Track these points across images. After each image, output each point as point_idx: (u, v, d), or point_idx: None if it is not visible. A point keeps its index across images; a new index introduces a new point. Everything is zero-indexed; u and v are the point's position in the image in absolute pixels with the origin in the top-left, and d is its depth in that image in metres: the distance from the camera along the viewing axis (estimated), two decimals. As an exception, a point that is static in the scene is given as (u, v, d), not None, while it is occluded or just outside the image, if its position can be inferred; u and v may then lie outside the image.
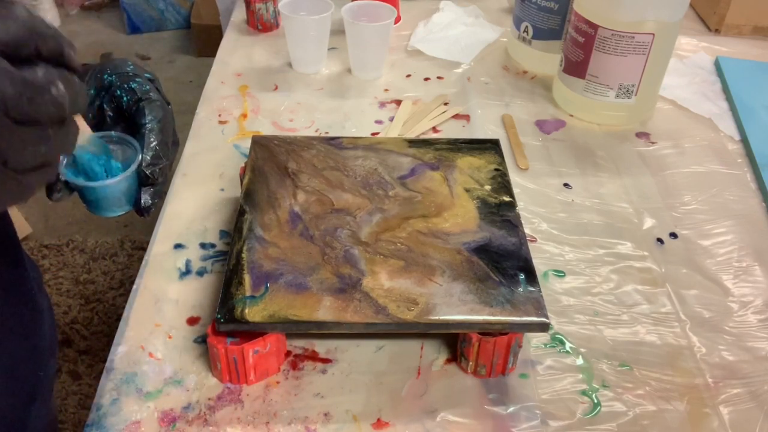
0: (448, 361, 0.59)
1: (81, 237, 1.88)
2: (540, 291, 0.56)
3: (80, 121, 0.45)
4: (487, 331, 0.55)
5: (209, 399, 0.55)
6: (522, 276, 0.57)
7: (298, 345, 0.59)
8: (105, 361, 0.58)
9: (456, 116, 0.90)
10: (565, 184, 0.79)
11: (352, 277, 0.57)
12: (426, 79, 0.98)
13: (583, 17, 0.84)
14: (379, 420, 0.54)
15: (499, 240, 0.61)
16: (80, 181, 0.48)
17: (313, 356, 0.58)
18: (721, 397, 0.57)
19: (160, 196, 0.51)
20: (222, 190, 0.76)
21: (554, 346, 0.60)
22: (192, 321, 0.61)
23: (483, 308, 0.55)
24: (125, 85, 0.50)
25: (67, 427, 1.44)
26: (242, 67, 0.99)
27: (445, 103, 0.92)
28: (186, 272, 0.66)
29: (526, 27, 0.97)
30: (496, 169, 0.69)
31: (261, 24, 1.08)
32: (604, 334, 0.62)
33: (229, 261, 0.58)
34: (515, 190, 0.72)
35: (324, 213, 0.63)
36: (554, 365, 0.59)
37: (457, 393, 0.56)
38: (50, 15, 2.91)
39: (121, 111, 0.50)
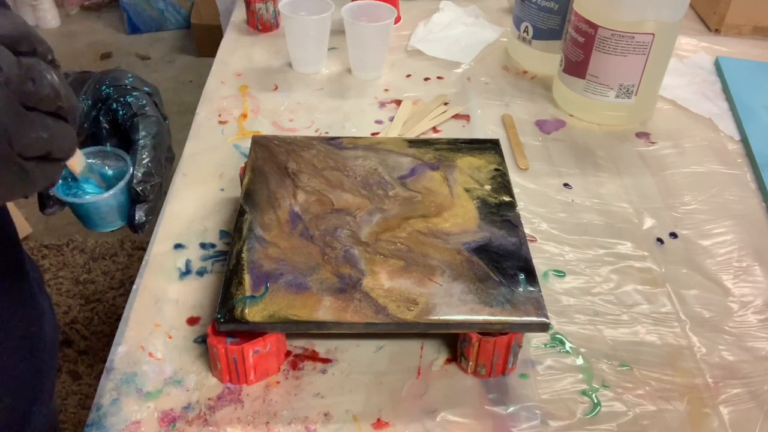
0: (448, 361, 0.59)
1: (81, 237, 1.88)
2: (540, 291, 0.56)
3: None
4: (487, 331, 0.55)
5: (209, 399, 0.55)
6: (522, 276, 0.57)
7: (298, 345, 0.59)
8: (105, 361, 0.58)
9: (456, 116, 0.90)
10: (565, 184, 0.79)
11: (352, 277, 0.57)
12: (426, 79, 0.98)
13: (583, 17, 0.84)
14: (379, 420, 0.54)
15: (499, 240, 0.61)
16: (68, 198, 0.48)
17: (313, 356, 0.58)
18: (721, 397, 0.57)
19: (153, 213, 0.50)
20: (222, 190, 0.76)
21: (554, 346, 0.60)
22: (192, 321, 0.61)
23: (483, 308, 0.55)
24: (122, 99, 0.49)
25: (67, 427, 1.44)
26: (242, 67, 0.99)
27: (445, 103, 0.92)
28: (186, 272, 0.66)
29: (526, 27, 0.97)
30: (496, 169, 0.69)
31: (261, 24, 1.08)
32: (604, 334, 0.62)
33: (229, 261, 0.58)
34: (515, 190, 0.72)
35: (324, 213, 0.63)
36: (554, 365, 0.59)
37: (457, 393, 0.56)
38: (50, 15, 2.92)
39: (117, 124, 0.50)
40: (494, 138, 0.74)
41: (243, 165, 0.70)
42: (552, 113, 0.91)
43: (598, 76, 0.85)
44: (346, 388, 0.56)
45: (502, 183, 0.67)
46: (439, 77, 0.98)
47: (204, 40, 2.67)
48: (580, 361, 0.59)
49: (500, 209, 0.64)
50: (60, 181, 0.49)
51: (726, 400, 0.56)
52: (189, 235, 0.70)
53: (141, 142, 0.49)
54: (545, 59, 0.98)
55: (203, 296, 0.63)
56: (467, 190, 0.66)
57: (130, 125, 0.49)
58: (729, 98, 0.95)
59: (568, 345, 0.61)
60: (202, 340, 0.59)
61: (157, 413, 0.54)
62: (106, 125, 0.50)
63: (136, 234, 0.51)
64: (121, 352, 0.58)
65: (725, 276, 0.68)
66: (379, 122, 0.88)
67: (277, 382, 0.56)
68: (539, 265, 0.67)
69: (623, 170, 0.81)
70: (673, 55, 0.94)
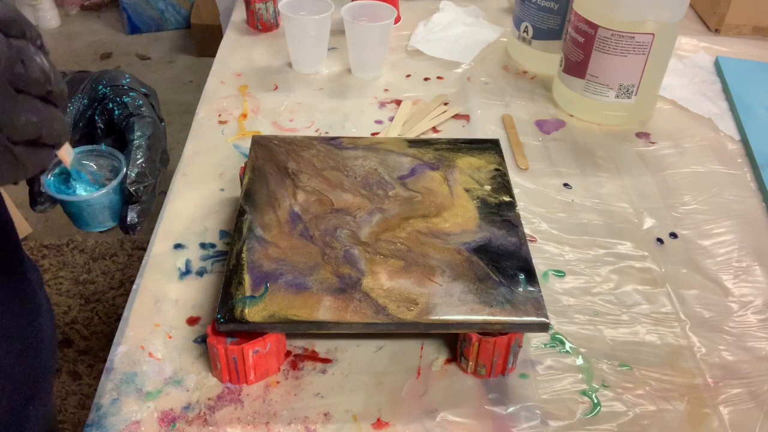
0: (448, 361, 0.59)
1: (81, 237, 1.88)
2: (540, 291, 0.56)
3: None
4: (487, 331, 0.55)
5: (209, 399, 0.55)
6: (522, 276, 0.57)
7: (298, 345, 0.59)
8: (105, 361, 0.58)
9: (456, 116, 0.90)
10: (565, 184, 0.79)
11: (352, 277, 0.57)
12: (426, 79, 0.98)
13: (583, 17, 0.84)
14: (379, 420, 0.54)
15: (499, 240, 0.61)
16: (59, 195, 0.48)
17: (313, 356, 0.58)
18: (721, 397, 0.57)
19: (146, 214, 0.50)
20: (222, 190, 0.76)
21: (554, 346, 0.60)
22: (192, 321, 0.61)
23: (483, 308, 0.55)
24: (118, 99, 0.49)
25: (67, 427, 1.44)
26: (242, 67, 0.99)
27: (445, 103, 0.92)
28: (186, 272, 0.66)
29: (526, 27, 0.97)
30: (496, 169, 0.69)
31: (261, 24, 1.08)
32: (604, 334, 0.62)
33: (229, 261, 0.58)
34: (515, 190, 0.72)
35: (324, 213, 0.63)
36: (554, 365, 0.59)
37: (457, 393, 0.56)
38: (50, 15, 2.92)
39: (113, 124, 0.50)
40: (494, 138, 0.74)
41: (243, 165, 0.70)
42: (552, 113, 0.91)
43: (598, 76, 0.85)
44: (346, 388, 0.56)
45: (502, 183, 0.67)
46: (439, 77, 0.98)
47: (204, 40, 2.67)
48: (580, 361, 0.59)
49: (500, 209, 0.64)
50: (52, 177, 0.48)
51: (726, 400, 0.56)
52: (189, 235, 0.70)
53: (136, 142, 0.48)
54: (545, 59, 0.98)
55: (203, 296, 0.63)
56: (467, 190, 0.66)
57: (125, 125, 0.49)
58: (729, 98, 0.95)
59: (568, 345, 0.61)
60: (202, 340, 0.59)
61: (157, 413, 0.54)
62: (101, 125, 0.50)
63: (128, 235, 0.51)
64: (121, 352, 0.58)
65: (725, 276, 0.68)
66: (379, 122, 0.88)
67: (277, 382, 0.56)
68: (539, 265, 0.67)
69: (623, 170, 0.81)
70: (673, 55, 0.94)
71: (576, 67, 0.87)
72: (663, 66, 0.86)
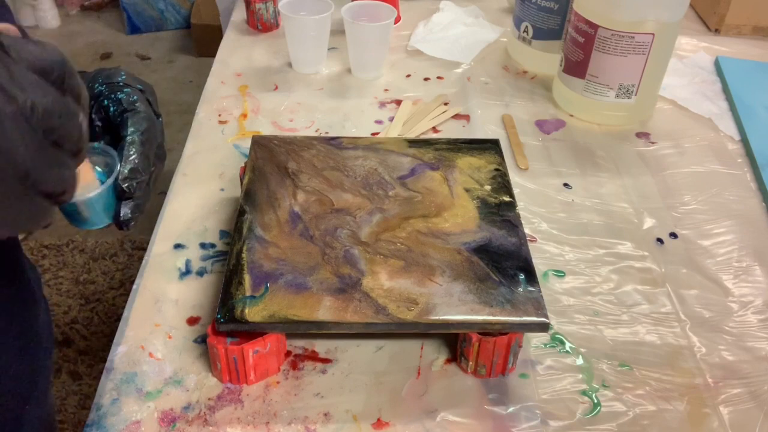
0: (448, 361, 0.59)
1: (81, 237, 1.88)
2: (540, 291, 0.56)
3: None
4: (487, 331, 0.55)
5: (209, 399, 0.55)
6: (522, 276, 0.57)
7: (298, 345, 0.59)
8: (105, 361, 0.58)
9: (456, 116, 0.90)
10: (565, 184, 0.79)
11: (352, 277, 0.57)
12: (426, 79, 0.98)
13: (583, 17, 0.84)
14: (379, 420, 0.54)
15: (499, 240, 0.61)
16: None
17: (313, 356, 0.58)
18: (721, 397, 0.57)
19: (141, 211, 0.49)
20: (222, 190, 0.76)
21: (554, 346, 0.60)
22: (192, 321, 0.61)
23: (483, 308, 0.55)
24: (113, 96, 0.49)
25: (67, 427, 1.44)
26: (242, 67, 0.99)
27: (445, 103, 0.92)
28: (186, 272, 0.66)
29: (526, 27, 0.97)
30: (496, 169, 0.69)
31: (261, 24, 1.08)
32: (604, 334, 0.62)
33: (229, 261, 0.58)
34: (515, 190, 0.72)
35: (324, 213, 0.63)
36: (554, 365, 0.59)
37: (457, 393, 0.56)
38: (50, 15, 2.92)
39: (110, 121, 0.50)
40: (494, 138, 0.74)
41: (243, 165, 0.70)
42: (552, 113, 0.91)
43: (598, 76, 0.85)
44: (346, 388, 0.56)
45: (502, 183, 0.67)
46: (439, 77, 0.98)
47: (204, 40, 2.67)
48: (580, 361, 0.59)
49: (500, 209, 0.64)
50: None
51: (726, 400, 0.56)
52: (189, 235, 0.70)
53: (129, 138, 0.48)
54: (545, 59, 0.98)
55: (203, 296, 0.63)
56: (467, 190, 0.66)
57: (120, 121, 0.49)
58: (729, 98, 0.95)
59: (568, 345, 0.61)
60: (202, 340, 0.59)
61: (157, 413, 0.54)
62: (99, 122, 0.50)
63: (122, 230, 0.50)
64: (121, 352, 0.58)
65: (725, 276, 0.68)
66: (379, 122, 0.88)
67: (277, 382, 0.56)
68: (539, 265, 0.67)
69: (623, 170, 0.81)
70: (673, 55, 0.94)
71: (576, 67, 0.87)
72: (663, 66, 0.86)
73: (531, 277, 0.57)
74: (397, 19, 1.11)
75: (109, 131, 0.51)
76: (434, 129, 0.87)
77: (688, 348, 0.61)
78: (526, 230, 0.69)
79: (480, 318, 0.54)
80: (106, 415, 0.54)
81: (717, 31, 1.12)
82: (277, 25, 1.09)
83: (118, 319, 0.62)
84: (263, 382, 0.56)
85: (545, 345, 0.60)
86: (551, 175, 0.80)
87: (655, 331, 0.62)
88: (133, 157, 0.48)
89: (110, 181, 0.48)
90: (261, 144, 0.71)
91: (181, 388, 0.56)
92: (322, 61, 0.99)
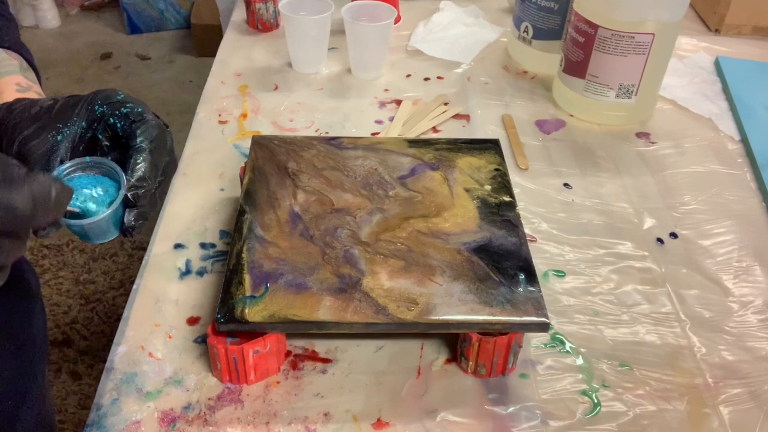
0: (448, 361, 0.59)
1: (81, 237, 1.88)
2: (540, 291, 0.56)
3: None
4: (487, 331, 0.55)
5: (209, 399, 0.55)
6: (522, 276, 0.57)
7: (298, 345, 0.59)
8: (105, 361, 0.58)
9: (456, 116, 0.90)
10: (565, 184, 0.79)
11: (352, 277, 0.57)
12: (426, 79, 0.98)
13: (583, 17, 0.84)
14: (379, 420, 0.54)
15: (499, 240, 0.61)
16: (65, 221, 0.47)
17: (313, 356, 0.58)
18: (721, 397, 0.57)
19: (145, 218, 0.49)
20: (222, 190, 0.76)
21: (554, 346, 0.60)
22: (192, 321, 0.61)
23: (483, 308, 0.55)
24: (117, 113, 0.48)
25: (67, 427, 1.44)
26: (242, 67, 0.99)
27: (445, 103, 0.92)
28: (186, 272, 0.66)
29: (526, 27, 0.97)
30: (496, 169, 0.69)
31: (261, 24, 1.08)
32: (604, 334, 0.62)
33: (229, 261, 0.58)
34: (515, 190, 0.72)
35: (324, 213, 0.63)
36: (554, 365, 0.59)
37: (457, 393, 0.56)
38: (50, 15, 2.92)
39: (118, 139, 0.49)
40: (494, 138, 0.74)
41: (243, 165, 0.70)
42: (552, 113, 0.91)
43: (598, 76, 0.85)
44: (346, 388, 0.56)
45: (502, 183, 0.67)
46: (439, 77, 0.98)
47: (204, 40, 2.67)
48: (580, 361, 0.59)
49: (500, 209, 0.64)
50: None
51: (726, 400, 0.56)
52: (189, 235, 0.70)
53: (137, 146, 0.48)
54: (545, 59, 0.98)
55: (203, 296, 0.63)
56: (467, 190, 0.66)
57: (129, 133, 0.49)
58: (729, 98, 0.95)
59: (568, 345, 0.61)
60: (202, 340, 0.59)
61: (157, 413, 0.54)
62: (106, 143, 0.49)
63: (126, 237, 0.50)
64: (121, 352, 0.58)
65: (725, 276, 0.68)
66: (379, 122, 0.88)
67: (277, 382, 0.56)
68: (539, 265, 0.67)
69: (623, 170, 0.81)
70: (673, 55, 0.93)
71: (576, 67, 0.87)
72: (663, 66, 0.86)
73: (531, 277, 0.57)
74: (397, 19, 1.11)
75: (117, 149, 0.50)
76: (434, 129, 0.87)
77: (688, 348, 0.61)
78: (526, 230, 0.69)
79: (480, 318, 0.54)
80: (106, 415, 0.54)
81: (717, 31, 1.12)
82: (277, 25, 1.09)
83: (118, 319, 0.62)
84: (263, 382, 0.56)
85: (545, 345, 0.60)
86: (551, 175, 0.80)
87: (655, 331, 0.62)
88: (141, 164, 0.47)
89: (119, 199, 0.47)
90: (261, 144, 0.71)
91: (181, 388, 0.56)
92: (322, 61, 0.99)
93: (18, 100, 0.49)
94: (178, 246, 0.69)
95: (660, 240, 0.72)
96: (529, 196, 0.77)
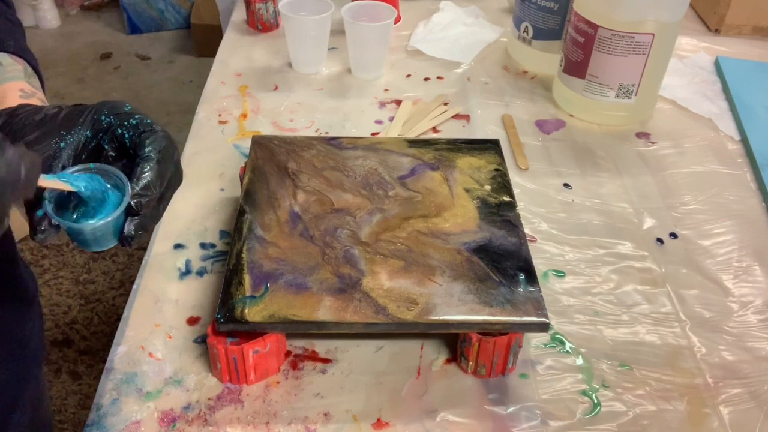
0: (448, 361, 0.59)
1: (81, 237, 1.88)
2: (540, 291, 0.56)
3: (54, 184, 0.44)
4: (487, 331, 0.55)
5: (209, 399, 0.55)
6: (522, 276, 0.57)
7: (298, 345, 0.59)
8: (105, 361, 0.58)
9: (456, 116, 0.90)
10: (565, 184, 0.79)
11: (352, 277, 0.57)
12: (426, 79, 0.98)
13: (583, 17, 0.84)
14: (379, 420, 0.54)
15: (499, 240, 0.61)
16: (66, 223, 0.46)
17: (313, 356, 0.58)
18: (721, 397, 0.57)
19: (145, 229, 0.48)
20: (222, 190, 0.76)
21: (554, 346, 0.60)
22: (192, 321, 0.61)
23: (483, 308, 0.55)
24: (126, 123, 0.48)
25: (67, 427, 1.44)
26: (242, 67, 0.99)
27: (445, 103, 0.92)
28: (186, 272, 0.66)
29: (526, 27, 0.97)
30: (496, 169, 0.69)
31: (261, 24, 1.08)
32: (604, 334, 0.62)
33: (229, 261, 0.58)
34: (515, 190, 0.72)
35: (324, 213, 0.63)
36: (554, 365, 0.59)
37: (457, 393, 0.56)
38: (50, 15, 2.92)
39: (125, 149, 0.49)
40: (494, 138, 0.74)
41: (243, 165, 0.70)
42: (552, 113, 0.91)
43: (598, 76, 0.85)
44: (346, 388, 0.56)
45: (502, 183, 0.67)
46: (439, 77, 0.98)
47: (204, 40, 2.67)
48: (580, 361, 0.59)
49: (500, 209, 0.64)
50: (50, 204, 0.47)
51: (726, 400, 0.56)
52: (189, 235, 0.70)
53: (145, 155, 0.47)
54: (545, 59, 0.98)
55: (203, 296, 0.63)
56: (467, 190, 0.66)
57: (138, 143, 0.48)
58: (729, 98, 0.95)
59: (568, 345, 0.61)
60: (202, 340, 0.59)
61: (157, 413, 0.54)
62: (112, 153, 0.49)
63: (124, 247, 0.49)
64: (121, 352, 0.58)
65: (725, 276, 0.68)
66: (379, 122, 0.88)
67: (277, 382, 0.56)
68: (539, 265, 0.67)
69: (623, 170, 0.81)
70: (673, 55, 0.93)
71: (576, 67, 0.87)
72: (663, 66, 0.86)
73: (531, 277, 0.57)
74: (397, 19, 1.11)
75: (124, 158, 0.50)
76: (434, 129, 0.87)
77: (688, 348, 0.61)
78: (526, 230, 0.69)
79: (480, 318, 0.54)
80: (106, 415, 0.54)
81: (717, 31, 1.12)
82: (277, 25, 1.09)
83: (118, 319, 0.62)
84: (263, 382, 0.56)
85: (545, 345, 0.60)
86: (551, 175, 0.80)
87: (655, 331, 0.62)
88: (147, 173, 0.47)
89: (122, 208, 0.46)
90: (261, 144, 0.71)
91: (181, 388, 0.56)
92: (322, 61, 0.99)
93: (22, 106, 0.49)
94: (178, 246, 0.69)
95: (660, 240, 0.72)
96: (529, 196, 0.77)
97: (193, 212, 0.73)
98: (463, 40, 1.07)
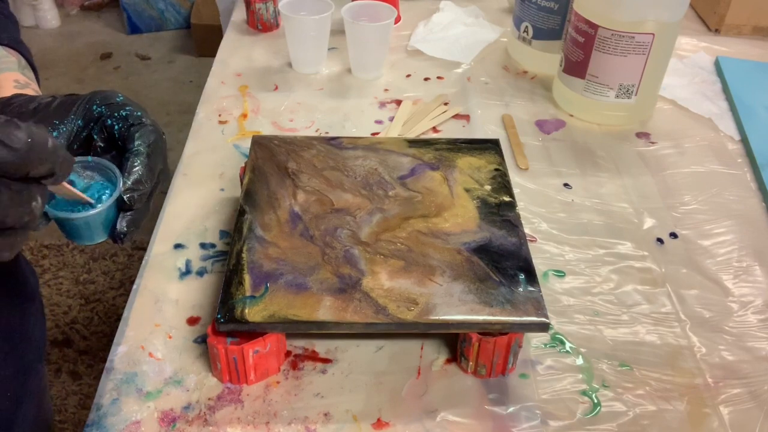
0: (448, 361, 0.59)
1: (81, 237, 1.88)
2: (540, 291, 0.56)
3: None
4: (487, 331, 0.55)
5: (209, 399, 0.55)
6: (522, 276, 0.57)
7: (298, 345, 0.59)
8: (105, 361, 0.58)
9: (456, 116, 0.90)
10: (565, 184, 0.79)
11: (352, 277, 0.57)
12: (426, 79, 0.98)
13: (583, 17, 0.84)
14: (379, 420, 0.54)
15: (499, 240, 0.61)
16: (58, 212, 0.46)
17: (313, 356, 0.58)
18: (721, 397, 0.57)
19: (137, 225, 0.48)
20: (222, 190, 0.76)
21: (554, 346, 0.60)
22: (192, 321, 0.61)
23: (483, 308, 0.55)
24: (116, 114, 0.48)
25: (67, 427, 1.44)
26: (242, 67, 0.99)
27: (445, 103, 0.92)
28: (186, 272, 0.66)
29: (526, 27, 0.97)
30: (496, 169, 0.69)
31: (261, 24, 1.08)
32: (604, 334, 0.62)
33: (229, 261, 0.58)
34: (515, 190, 0.72)
35: (324, 213, 0.63)
36: (554, 365, 0.59)
37: (457, 393, 0.56)
38: (50, 15, 2.92)
39: (114, 140, 0.49)
40: (494, 138, 0.74)
41: (243, 165, 0.70)
42: (552, 113, 0.91)
43: (598, 76, 0.85)
44: (346, 388, 0.56)
45: (502, 183, 0.67)
46: (439, 77, 0.98)
47: (204, 40, 2.67)
48: (580, 361, 0.59)
49: (500, 209, 0.64)
50: None
51: (726, 400, 0.56)
52: (189, 235, 0.70)
53: (135, 149, 0.47)
54: (545, 59, 0.98)
55: (203, 296, 0.63)
56: (467, 190, 0.66)
57: (126, 136, 0.48)
58: (729, 98, 0.95)
59: (568, 345, 0.61)
60: (202, 340, 0.59)
61: (157, 413, 0.54)
62: (101, 143, 0.49)
63: (116, 244, 0.49)
64: (121, 352, 0.58)
65: (725, 276, 0.68)
66: (379, 122, 0.88)
67: (277, 382, 0.56)
68: (539, 265, 0.67)
69: (623, 170, 0.81)
70: (673, 55, 0.94)
71: (576, 67, 0.87)
72: (663, 66, 0.86)
73: (531, 277, 0.57)
74: (397, 19, 1.11)
75: (113, 150, 0.50)
76: (434, 129, 0.87)
77: (688, 348, 0.61)
78: (526, 230, 0.69)
79: (480, 318, 0.54)
80: (106, 415, 0.54)
81: (717, 31, 1.12)
82: (277, 25, 1.09)
83: (118, 319, 0.62)
84: (263, 382, 0.56)
85: (545, 345, 0.60)
86: (551, 175, 0.80)
87: (655, 331, 0.62)
88: (137, 167, 0.47)
89: (113, 198, 0.47)
90: (261, 144, 0.71)
91: (181, 388, 0.56)
92: (322, 61, 0.99)
93: (16, 96, 0.49)
94: (178, 246, 0.69)
95: (660, 240, 0.72)
96: (529, 196, 0.77)
97: (193, 212, 0.73)
98: (463, 40, 1.07)
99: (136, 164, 0.47)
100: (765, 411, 0.56)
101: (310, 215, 0.63)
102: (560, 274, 0.67)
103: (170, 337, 0.60)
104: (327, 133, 0.86)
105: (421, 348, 0.59)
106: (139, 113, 0.49)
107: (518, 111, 0.91)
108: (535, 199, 0.77)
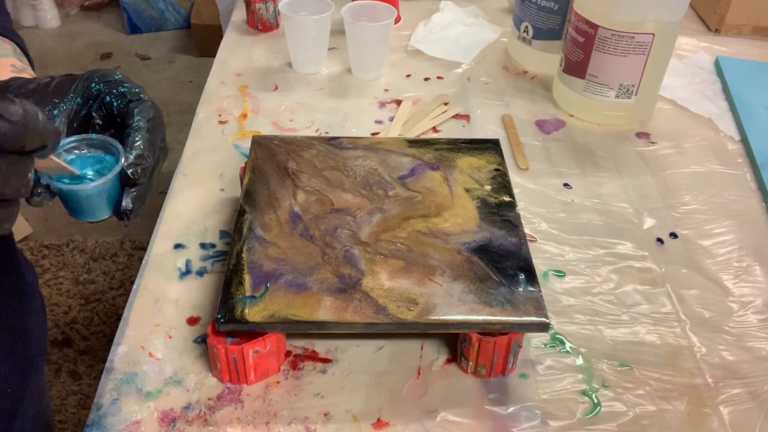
0: (448, 361, 0.59)
1: (81, 237, 1.88)
2: (540, 291, 0.56)
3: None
4: (487, 331, 0.55)
5: (209, 399, 0.55)
6: (522, 276, 0.57)
7: (298, 345, 0.59)
8: (105, 361, 0.58)
9: (456, 116, 0.90)
10: (565, 184, 0.79)
11: (352, 277, 0.57)
12: (426, 79, 0.98)
13: (583, 17, 0.84)
14: (379, 420, 0.54)
15: (499, 240, 0.61)
16: (61, 184, 0.46)
17: (313, 356, 0.58)
18: (721, 397, 0.57)
19: (142, 201, 0.48)
20: (222, 190, 0.76)
21: (554, 346, 0.60)
22: (192, 321, 0.61)
23: (483, 308, 0.55)
24: (114, 91, 0.48)
25: (67, 427, 1.44)
26: (242, 67, 0.99)
27: (445, 103, 0.92)
28: (186, 272, 0.66)
29: (526, 27, 0.97)
30: (496, 169, 0.69)
31: (261, 24, 1.08)
32: (604, 334, 0.62)
33: (229, 261, 0.58)
34: (515, 190, 0.72)
35: (324, 213, 0.63)
36: (554, 365, 0.59)
37: (457, 393, 0.56)
38: (50, 15, 2.92)
39: (112, 118, 0.49)
40: (494, 138, 0.74)
41: (243, 165, 0.70)
42: (552, 113, 0.91)
43: (598, 76, 0.85)
44: (346, 388, 0.56)
45: (502, 183, 0.67)
46: (439, 77, 0.98)
47: (204, 40, 2.67)
48: (580, 361, 0.59)
49: (500, 209, 0.64)
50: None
51: (726, 400, 0.56)
52: (189, 235, 0.70)
53: (135, 125, 0.47)
54: (545, 59, 0.98)
55: (203, 296, 0.63)
56: (467, 190, 0.66)
57: (125, 112, 0.48)
58: (729, 98, 0.95)
59: (568, 345, 0.61)
60: (202, 340, 0.59)
61: (157, 413, 0.54)
62: (99, 121, 0.49)
63: (122, 221, 0.49)
64: (121, 352, 0.58)
65: (725, 276, 0.68)
66: (379, 122, 0.88)
67: (277, 382, 0.56)
68: (539, 265, 0.67)
69: (623, 170, 0.81)
70: (673, 55, 0.94)
71: (576, 67, 0.87)
72: (663, 66, 0.86)
73: (531, 277, 0.57)
74: (397, 19, 1.11)
75: (112, 127, 0.50)
76: (434, 129, 0.87)
77: (688, 348, 0.61)
78: (526, 230, 0.69)
79: (480, 318, 0.54)
80: (106, 415, 0.54)
81: (717, 31, 1.12)
82: (277, 25, 1.09)
83: (118, 319, 0.62)
84: (263, 382, 0.56)
85: (545, 345, 0.60)
86: (551, 175, 0.80)
87: (655, 331, 0.62)
88: (139, 143, 0.47)
89: (116, 170, 0.46)
90: (261, 144, 0.71)
91: (181, 388, 0.56)
92: (322, 61, 0.99)
93: (14, 78, 0.49)
94: (178, 246, 0.69)
95: (660, 240, 0.72)
96: (529, 196, 0.77)
97: (193, 212, 0.73)
98: (463, 40, 1.07)
99: (137, 139, 0.47)
100: (765, 411, 0.56)
101: (310, 215, 0.63)
102: (560, 274, 0.67)
103: (170, 337, 0.60)
104: (327, 133, 0.86)
105: (421, 348, 0.59)
106: (137, 89, 0.49)
107: (518, 111, 0.91)
108: (535, 199, 0.77)
